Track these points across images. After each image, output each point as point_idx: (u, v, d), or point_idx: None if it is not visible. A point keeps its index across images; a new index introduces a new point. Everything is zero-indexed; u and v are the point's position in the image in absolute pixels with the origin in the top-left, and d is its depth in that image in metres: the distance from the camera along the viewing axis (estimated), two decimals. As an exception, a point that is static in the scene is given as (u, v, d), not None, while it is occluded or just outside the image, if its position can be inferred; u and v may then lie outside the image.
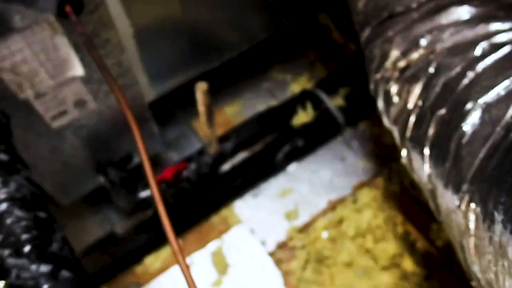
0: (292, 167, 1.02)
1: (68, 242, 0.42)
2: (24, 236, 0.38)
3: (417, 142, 0.60)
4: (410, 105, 0.63)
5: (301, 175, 1.02)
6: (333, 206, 0.99)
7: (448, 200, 0.49)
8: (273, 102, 1.11)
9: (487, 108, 0.45)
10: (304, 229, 0.97)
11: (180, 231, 0.94)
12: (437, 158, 0.53)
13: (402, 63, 0.66)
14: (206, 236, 0.94)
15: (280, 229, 0.96)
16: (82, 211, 0.92)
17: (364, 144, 1.07)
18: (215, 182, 0.92)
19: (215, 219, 0.96)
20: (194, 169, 0.83)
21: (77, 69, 0.57)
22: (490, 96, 0.46)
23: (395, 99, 0.66)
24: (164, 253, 0.93)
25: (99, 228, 0.91)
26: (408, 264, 0.92)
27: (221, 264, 0.92)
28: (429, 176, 0.56)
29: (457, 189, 0.46)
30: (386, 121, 0.72)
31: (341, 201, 0.99)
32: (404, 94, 0.65)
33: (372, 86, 0.75)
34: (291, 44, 1.18)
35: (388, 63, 0.69)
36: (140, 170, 0.88)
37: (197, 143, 1.01)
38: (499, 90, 0.46)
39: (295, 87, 1.13)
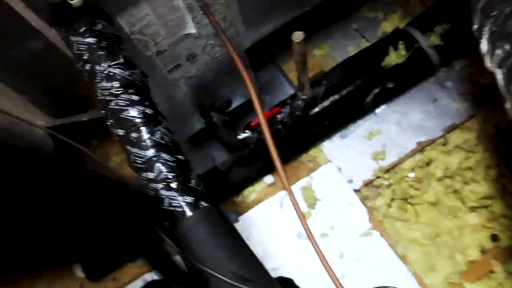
0: (381, 109, 1.04)
1: (200, 179, 0.51)
2: (171, 175, 0.48)
3: (524, 89, 0.58)
4: (520, 48, 0.60)
5: (390, 117, 1.03)
6: (421, 148, 0.99)
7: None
8: (363, 43, 1.10)
9: None
10: (391, 169, 1.00)
11: (273, 168, 1.03)
12: (545, 107, 0.52)
13: (514, 2, 0.62)
14: (297, 173, 1.03)
15: (367, 168, 1.01)
16: (188, 149, 1.05)
17: (459, 85, 1.03)
18: (306, 123, 0.98)
19: (305, 158, 1.03)
20: (288, 113, 0.89)
21: (191, 28, 0.64)
22: None
23: (503, 41, 0.63)
24: (259, 187, 1.04)
25: (203, 164, 1.04)
26: (498, 206, 0.92)
27: (310, 199, 1.00)
28: (534, 123, 0.56)
29: None
30: (489, 64, 0.69)
31: (430, 143, 0.99)
32: (513, 36, 0.62)
33: (476, 26, 0.71)
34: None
35: (498, 2, 0.65)
36: (238, 113, 0.96)
37: (288, 86, 1.06)
38: None
39: (387, 26, 1.09)
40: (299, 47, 0.71)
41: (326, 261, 0.49)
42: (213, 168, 1.02)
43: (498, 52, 0.65)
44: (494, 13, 0.65)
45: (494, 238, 0.90)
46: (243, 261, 0.48)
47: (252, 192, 1.04)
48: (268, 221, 1.01)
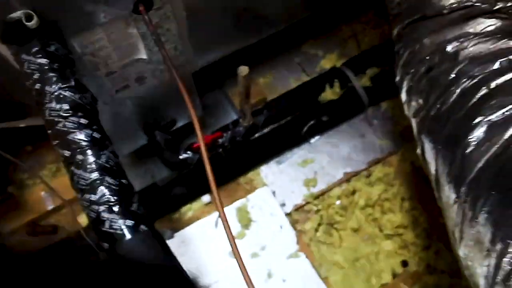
0: (315, 140, 1.12)
1: (142, 203, 0.54)
2: (114, 198, 0.50)
3: (432, 139, 0.68)
4: (430, 104, 0.70)
5: (323, 147, 1.12)
6: (348, 178, 1.09)
7: (448, 195, 0.59)
8: (303, 76, 1.18)
9: (492, 125, 0.53)
10: (320, 195, 1.08)
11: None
12: (445, 158, 0.62)
13: (427, 64, 0.73)
14: (234, 194, 1.07)
15: (299, 194, 1.08)
16: (129, 164, 1.05)
17: (384, 123, 1.15)
18: (245, 148, 1.03)
19: (243, 180, 1.08)
20: (229, 137, 0.93)
21: (142, 53, 0.67)
22: (497, 114, 0.54)
23: (417, 95, 0.74)
24: (197, 205, 1.06)
25: (143, 179, 1.05)
26: (409, 235, 1.04)
27: (244, 219, 1.05)
28: (437, 170, 0.65)
29: (456, 189, 0.55)
30: (406, 112, 0.79)
31: (356, 174, 1.10)
32: (425, 93, 0.72)
33: (397, 78, 0.82)
34: (326, 20, 1.22)
35: (415, 62, 0.76)
36: (181, 133, 0.99)
37: (231, 111, 1.11)
38: (506, 110, 0.54)
39: (326, 63, 1.19)
40: (243, 81, 0.76)
41: (250, 279, 0.53)
42: (153, 184, 1.03)
43: (413, 104, 0.76)
44: (412, 70, 0.75)
45: (404, 263, 1.01)
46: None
47: (189, 210, 1.07)
48: (203, 239, 1.04)
